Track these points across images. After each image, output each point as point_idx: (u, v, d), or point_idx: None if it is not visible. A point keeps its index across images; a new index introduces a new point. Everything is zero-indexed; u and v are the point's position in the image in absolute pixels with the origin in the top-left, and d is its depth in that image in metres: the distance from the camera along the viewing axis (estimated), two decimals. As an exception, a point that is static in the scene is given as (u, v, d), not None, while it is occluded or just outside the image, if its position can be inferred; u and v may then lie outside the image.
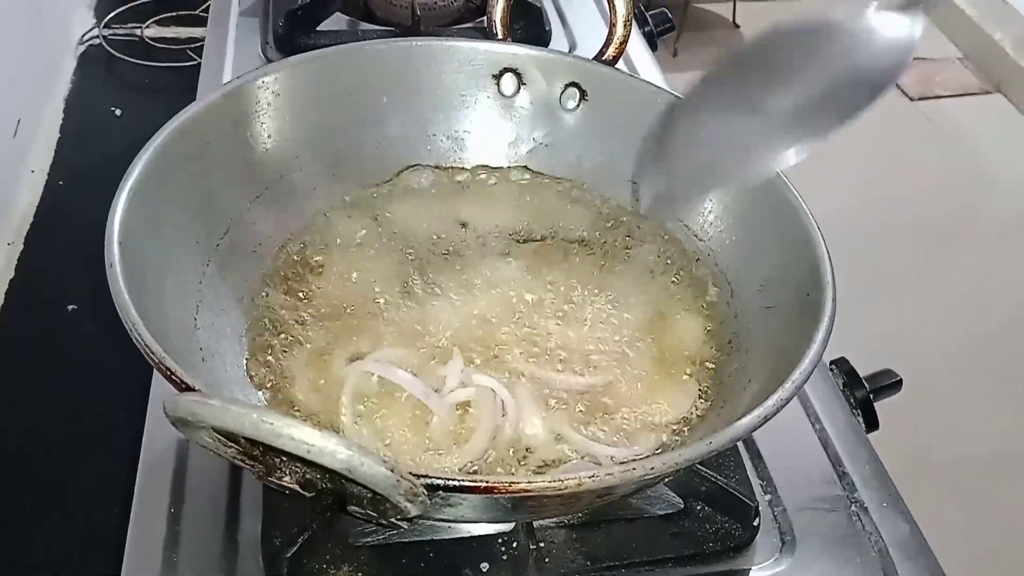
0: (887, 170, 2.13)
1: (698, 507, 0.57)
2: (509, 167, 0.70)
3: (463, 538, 0.54)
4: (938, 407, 1.50)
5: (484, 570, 0.53)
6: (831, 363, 0.70)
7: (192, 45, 1.09)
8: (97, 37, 1.10)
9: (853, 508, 0.59)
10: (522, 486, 0.39)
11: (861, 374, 0.69)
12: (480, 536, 0.54)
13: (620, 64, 0.69)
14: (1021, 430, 1.58)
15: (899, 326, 1.67)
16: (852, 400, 0.68)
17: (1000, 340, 1.72)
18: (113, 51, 1.08)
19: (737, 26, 2.74)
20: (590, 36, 1.00)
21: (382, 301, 0.60)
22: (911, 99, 2.46)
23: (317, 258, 0.62)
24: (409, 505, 0.37)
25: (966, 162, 2.24)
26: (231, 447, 0.39)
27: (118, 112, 1.01)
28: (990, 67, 2.61)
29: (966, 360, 1.67)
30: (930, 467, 1.38)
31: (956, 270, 1.90)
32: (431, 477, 0.38)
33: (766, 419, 0.44)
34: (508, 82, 0.69)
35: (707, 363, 0.59)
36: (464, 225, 0.66)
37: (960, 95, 2.53)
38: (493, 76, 0.68)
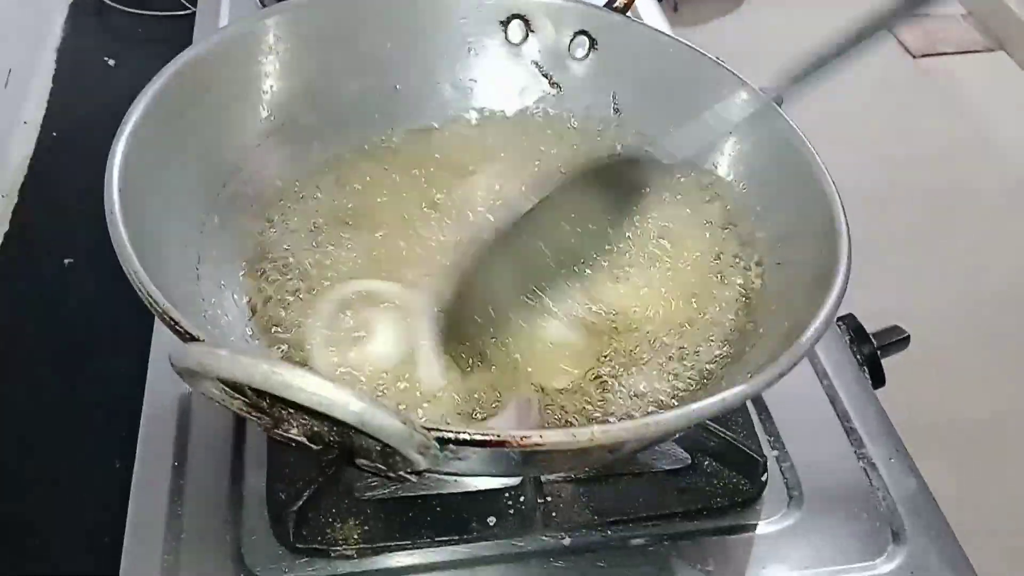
0: (889, 127, 2.11)
1: (705, 462, 0.57)
2: (517, 116, 0.69)
3: (470, 492, 0.54)
4: (942, 366, 1.51)
5: (491, 524, 0.53)
6: (839, 319, 0.69)
7: (187, -7, 1.06)
8: (89, -16, 1.07)
9: (861, 463, 0.59)
10: (534, 440, 0.38)
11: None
12: (487, 490, 0.54)
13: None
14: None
15: (902, 286, 1.67)
16: (859, 356, 0.67)
17: (1005, 300, 1.72)
18: (105, -1, 1.05)
19: (738, -20, 2.69)
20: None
21: (388, 249, 0.59)
22: (913, 56, 2.43)
23: (322, 206, 0.61)
24: (420, 458, 0.37)
25: (968, 119, 2.22)
26: (238, 398, 0.38)
27: (112, 62, 0.99)
28: (993, 24, 2.57)
29: (970, 320, 1.67)
30: (933, 424, 1.38)
31: (960, 228, 1.89)
32: (443, 430, 0.37)
33: (780, 376, 0.43)
34: (515, 29, 0.67)
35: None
36: (473, 173, 0.64)
37: (963, 52, 2.50)
38: (500, 23, 0.66)
